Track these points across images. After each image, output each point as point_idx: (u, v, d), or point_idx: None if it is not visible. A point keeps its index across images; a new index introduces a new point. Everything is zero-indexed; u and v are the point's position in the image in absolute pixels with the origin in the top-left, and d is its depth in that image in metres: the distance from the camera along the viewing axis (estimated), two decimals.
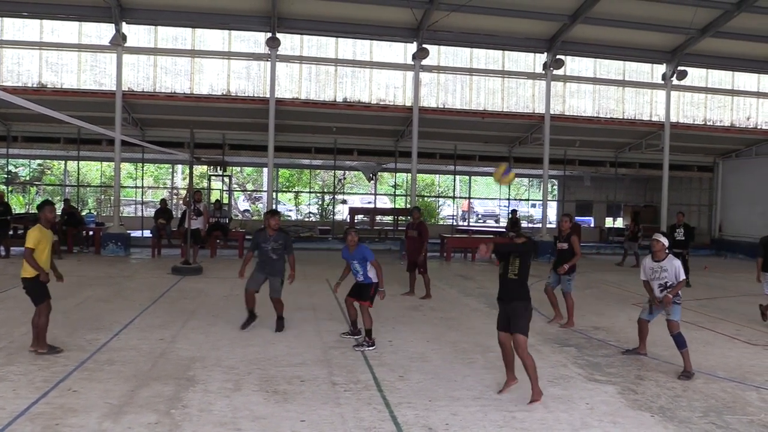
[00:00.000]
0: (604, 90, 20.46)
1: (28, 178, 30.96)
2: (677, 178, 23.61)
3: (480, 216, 34.32)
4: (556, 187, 29.59)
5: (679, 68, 19.64)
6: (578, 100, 20.37)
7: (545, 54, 19.10)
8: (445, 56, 19.20)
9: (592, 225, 27.69)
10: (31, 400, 5.26)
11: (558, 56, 18.78)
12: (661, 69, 20.22)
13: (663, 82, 20.14)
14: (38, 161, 30.47)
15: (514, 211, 19.85)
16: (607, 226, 26.91)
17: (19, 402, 5.21)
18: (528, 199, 33.54)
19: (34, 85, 17.38)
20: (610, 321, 9.52)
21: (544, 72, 19.17)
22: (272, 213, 8.58)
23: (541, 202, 22.16)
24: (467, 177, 27.55)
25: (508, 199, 27.05)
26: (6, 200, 16.56)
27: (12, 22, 17.31)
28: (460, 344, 7.63)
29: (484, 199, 35.16)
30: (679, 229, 13.88)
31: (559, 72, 19.28)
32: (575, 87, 20.30)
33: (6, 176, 26.59)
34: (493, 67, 19.54)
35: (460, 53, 19.31)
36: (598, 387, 6.11)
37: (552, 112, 19.33)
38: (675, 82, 19.98)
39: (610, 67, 20.28)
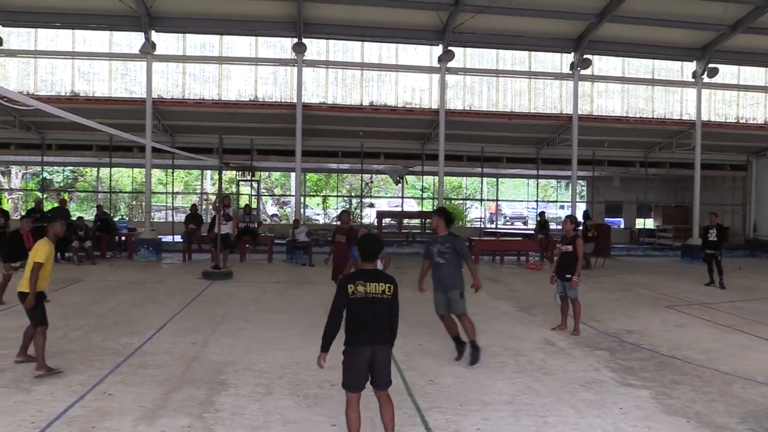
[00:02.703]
0: (633, 89, 20.19)
1: (62, 185, 31.62)
2: (709, 177, 23.16)
3: (508, 218, 34.08)
4: (584, 188, 29.26)
5: (710, 65, 19.29)
6: (606, 100, 20.13)
7: (572, 54, 18.93)
8: (471, 58, 19.14)
9: (622, 226, 27.32)
10: (68, 403, 5.37)
11: (585, 56, 18.60)
12: (691, 67, 19.88)
13: (693, 80, 19.80)
14: (71, 168, 31.12)
15: (542, 213, 19.68)
16: (637, 227, 26.53)
17: (56, 405, 5.31)
18: (556, 201, 33.20)
19: (67, 94, 17.77)
20: (642, 324, 9.36)
21: (571, 72, 19.00)
22: (438, 212, 7.55)
23: (569, 204, 21.91)
24: (494, 179, 27.39)
25: (536, 201, 26.80)
26: (42, 207, 16.95)
27: (45, 33, 17.73)
28: (490, 348, 7.58)
29: (512, 201, 34.91)
30: (712, 230, 13.67)
31: (587, 72, 19.09)
32: (603, 87, 20.08)
33: (41, 183, 27.22)
34: (519, 68, 19.44)
35: (486, 55, 19.25)
36: (632, 391, 6.01)
37: (580, 112, 19.15)
38: (706, 79, 19.63)
39: (639, 66, 20.01)
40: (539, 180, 26.26)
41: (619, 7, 16.75)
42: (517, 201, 34.53)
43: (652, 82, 20.14)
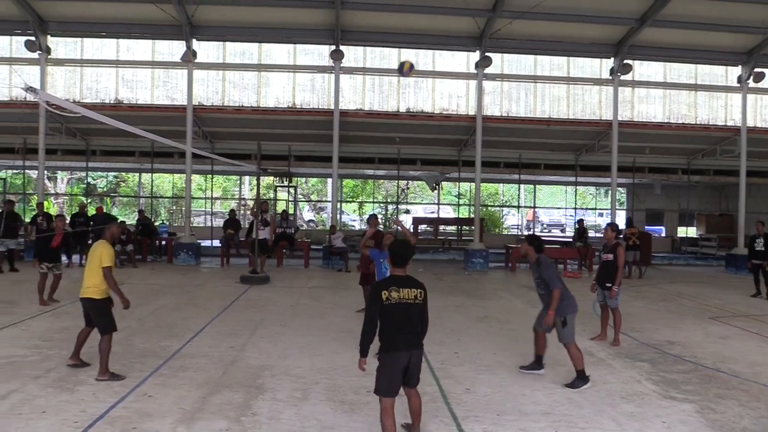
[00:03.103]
0: (675, 94, 19.77)
1: (105, 190, 32.41)
2: (755, 184, 22.48)
3: (545, 225, 33.69)
4: (624, 195, 28.73)
5: (756, 70, 18.76)
6: (648, 106, 19.76)
7: (612, 59, 18.65)
8: (508, 64, 19.01)
9: (663, 234, 26.73)
10: (109, 404, 5.48)
11: (626, 61, 18.29)
12: (736, 71, 19.37)
13: (738, 84, 19.28)
14: (114, 173, 31.90)
15: (580, 221, 19.38)
16: (679, 235, 25.92)
17: (98, 405, 5.42)
18: (595, 208, 32.75)
19: (112, 102, 18.23)
20: (685, 335, 9.12)
21: (611, 77, 18.71)
22: (527, 239, 7.04)
23: (608, 211, 21.55)
24: (532, 186, 27.12)
25: (575, 209, 26.44)
26: (86, 211, 17.40)
27: (91, 42, 18.25)
28: (528, 357, 7.46)
29: (549, 209, 34.50)
30: (759, 239, 13.29)
31: (627, 77, 18.78)
32: (644, 92, 19.71)
33: (85, 188, 27.96)
34: (558, 73, 19.23)
35: (524, 60, 19.09)
36: (675, 405, 5.85)
37: (620, 118, 18.82)
38: (752, 84, 19.10)
39: (681, 71, 19.58)
40: (578, 187, 25.88)
41: (660, 12, 16.45)
42: (554, 208, 34.13)
43: (695, 87, 19.69)
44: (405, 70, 12.88)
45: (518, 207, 29.63)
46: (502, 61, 18.81)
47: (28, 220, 17.14)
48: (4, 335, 7.85)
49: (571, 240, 19.98)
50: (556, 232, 32.10)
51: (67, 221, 14.47)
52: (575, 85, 19.34)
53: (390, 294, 4.40)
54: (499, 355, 7.59)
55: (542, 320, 6.68)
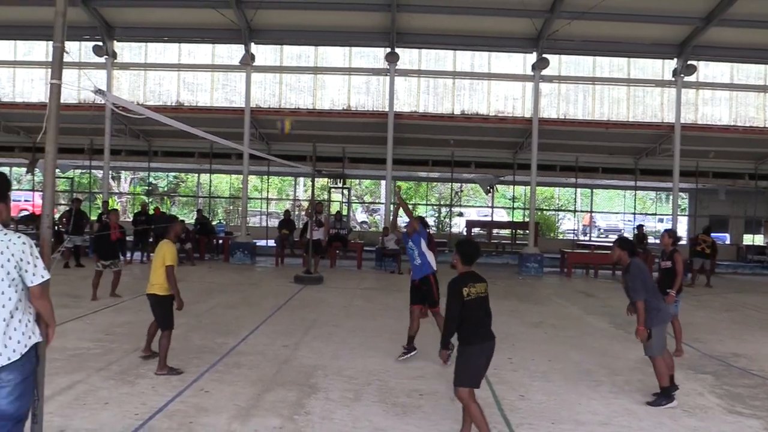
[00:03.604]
0: (743, 96, 18.99)
1: (165, 190, 33.39)
2: None
3: (602, 231, 32.88)
4: (686, 201, 27.78)
5: None
6: (713, 108, 19.05)
7: (675, 60, 18.06)
8: (566, 65, 18.67)
9: (728, 242, 25.71)
10: (168, 397, 5.62)
11: (689, 62, 17.69)
12: None
13: None
14: (174, 174, 32.83)
15: (640, 227, 18.84)
16: (745, 243, 24.89)
17: (157, 399, 5.57)
18: (655, 214, 31.80)
19: (173, 104, 18.77)
20: (752, 348, 8.73)
21: (674, 79, 18.12)
22: (617, 242, 6.49)
23: (669, 217, 20.88)
24: (589, 190, 26.53)
25: (633, 214, 25.72)
26: (148, 210, 17.95)
27: (154, 47, 18.86)
28: (584, 365, 7.31)
29: (606, 213, 33.66)
30: None
31: (691, 78, 18.14)
32: (709, 94, 19.01)
33: (147, 187, 28.87)
34: (617, 75, 18.76)
35: (582, 62, 18.71)
36: (741, 420, 5.60)
37: (683, 121, 18.17)
38: None
39: (749, 72, 18.81)
40: (637, 192, 25.17)
41: (727, 10, 15.83)
42: (612, 213, 33.27)
43: (765, 88, 18.86)
44: (285, 130, 12.73)
45: (574, 211, 29.05)
46: (559, 63, 18.49)
47: (93, 217, 17.82)
48: (70, 328, 8.16)
49: None
50: (614, 237, 31.24)
51: (129, 218, 14.93)
52: (636, 87, 18.82)
53: (470, 290, 4.62)
54: (554, 362, 7.44)
55: (649, 341, 6.05)
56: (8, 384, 3.26)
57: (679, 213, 21.62)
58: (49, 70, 3.81)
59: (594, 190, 27.15)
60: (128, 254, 15.71)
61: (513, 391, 6.18)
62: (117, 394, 5.67)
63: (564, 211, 31.74)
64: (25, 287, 3.32)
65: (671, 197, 20.50)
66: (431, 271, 7.58)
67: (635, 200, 25.38)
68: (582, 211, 29.66)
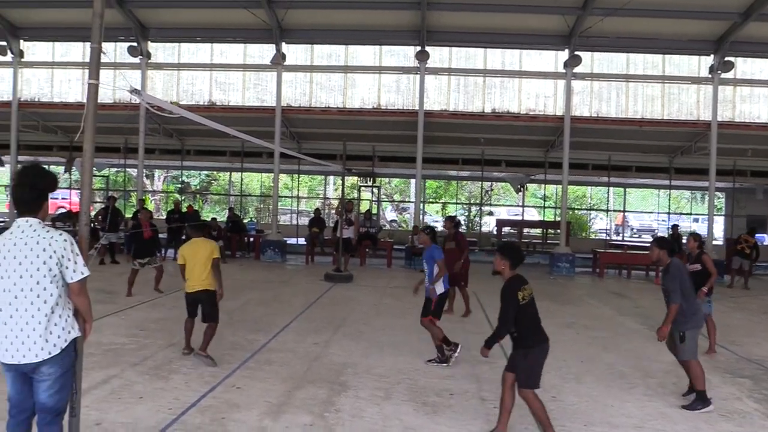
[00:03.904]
0: None
1: (198, 188, 33.84)
2: None
3: (635, 230, 32.36)
4: (723, 200, 27.17)
5: None
6: (751, 105, 18.56)
7: (712, 56, 17.63)
8: (598, 63, 18.38)
9: (766, 243, 25.06)
10: (200, 393, 5.69)
11: (727, 58, 17.25)
12: None
13: None
14: (207, 172, 33.26)
15: (675, 227, 18.48)
16: None
17: (190, 394, 5.65)
18: (690, 213, 31.16)
19: (205, 103, 18.99)
20: None
21: (710, 76, 17.69)
22: (656, 241, 6.44)
23: (705, 217, 20.45)
24: (622, 189, 26.13)
25: (668, 213, 25.26)
26: (180, 208, 18.21)
27: (187, 47, 19.11)
28: (617, 367, 7.20)
29: (640, 213, 33.12)
30: None
31: (728, 75, 17.69)
32: (747, 91, 18.52)
33: (180, 186, 29.30)
34: (651, 72, 18.40)
35: (616, 59, 18.39)
36: None
37: (720, 118, 17.73)
38: None
39: None
40: (672, 191, 24.71)
41: (767, 5, 15.41)
42: (645, 212, 32.71)
43: None
44: None
45: (607, 210, 28.62)
46: (591, 60, 18.21)
47: (128, 215, 18.13)
48: (106, 323, 8.32)
49: None
50: (647, 237, 30.77)
51: (162, 216, 15.15)
52: (671, 84, 18.44)
53: (524, 293, 4.76)
54: (586, 363, 7.34)
55: (683, 344, 5.97)
56: (49, 377, 3.35)
57: (715, 213, 21.13)
58: (86, 70, 3.90)
59: (627, 189, 26.75)
60: (163, 251, 15.96)
61: (545, 393, 6.06)
62: (151, 388, 5.77)
63: (596, 210, 31.28)
64: (65, 283, 3.39)
65: (707, 197, 20.07)
66: (434, 296, 7.20)
67: (670, 200, 24.95)
68: (615, 211, 29.24)
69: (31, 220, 3.37)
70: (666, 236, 7.06)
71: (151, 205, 29.05)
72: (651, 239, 6.52)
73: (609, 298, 13.14)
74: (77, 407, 3.72)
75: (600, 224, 31.24)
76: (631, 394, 6.20)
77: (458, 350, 7.07)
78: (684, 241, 20.23)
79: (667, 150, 20.44)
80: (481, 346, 4.93)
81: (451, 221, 10.65)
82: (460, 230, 10.77)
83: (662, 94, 18.51)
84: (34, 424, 3.52)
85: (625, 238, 27.16)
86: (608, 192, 25.94)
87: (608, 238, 26.15)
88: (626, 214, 28.50)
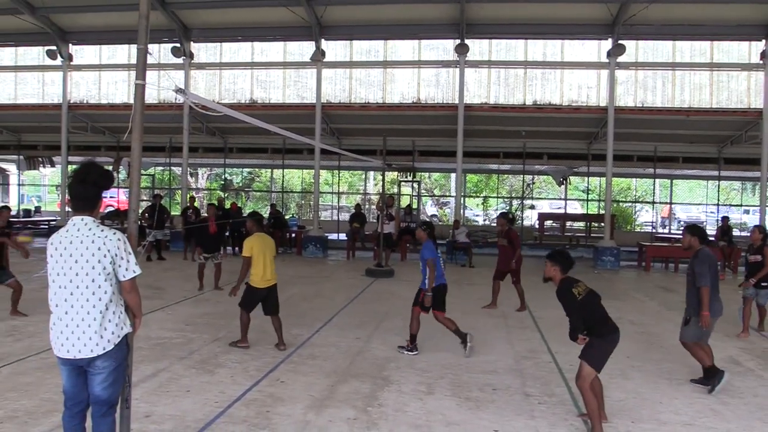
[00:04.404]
0: None
1: (240, 185, 34.35)
2: None
3: (682, 223, 31.53)
4: None
5: None
6: None
7: (763, 41, 17.02)
8: (643, 51, 17.93)
9: None
10: (245, 387, 5.80)
11: None
12: None
13: None
14: (249, 170, 33.72)
15: (724, 218, 17.95)
16: None
17: (235, 388, 5.76)
18: (740, 205, 30.20)
19: (247, 102, 19.25)
20: None
21: (761, 62, 17.08)
22: (688, 229, 6.61)
23: (756, 208, 19.78)
24: (668, 180, 25.48)
25: (717, 205, 24.52)
26: (224, 205, 18.49)
27: (229, 47, 19.39)
28: (665, 363, 7.04)
29: (687, 205, 32.25)
30: None
31: None
32: None
33: (223, 183, 29.80)
34: (699, 59, 17.86)
35: (661, 47, 17.92)
36: None
37: None
38: None
39: None
40: (721, 182, 23.98)
41: None
42: (693, 204, 31.83)
43: None
44: None
45: (653, 203, 27.96)
46: (636, 49, 17.77)
47: (174, 212, 18.54)
48: (154, 318, 8.53)
49: (713, 239, 18.54)
50: None
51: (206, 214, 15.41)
52: (720, 72, 17.87)
53: (578, 290, 4.96)
54: (633, 359, 7.20)
55: (698, 324, 6.23)
56: (103, 371, 3.47)
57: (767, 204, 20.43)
58: (131, 72, 4.00)
59: (674, 181, 26.05)
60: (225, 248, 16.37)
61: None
62: (198, 382, 5.90)
63: (641, 202, 30.58)
64: (118, 281, 3.50)
65: (759, 187, 19.40)
66: (423, 287, 7.25)
67: (719, 191, 24.19)
68: (661, 203, 28.54)
69: (86, 219, 3.48)
70: (697, 224, 7.23)
71: (196, 203, 29.63)
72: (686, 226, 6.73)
73: (655, 292, 12.85)
74: (129, 399, 3.84)
75: (645, 217, 30.56)
76: (679, 391, 6.06)
77: (414, 353, 7.16)
78: (738, 233, 19.69)
79: (716, 140, 19.83)
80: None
81: (505, 218, 10.72)
82: (512, 227, 10.78)
83: (710, 82, 17.96)
84: (89, 416, 3.64)
85: (672, 231, 26.49)
86: (654, 184, 25.33)
87: (654, 230, 25.55)
88: (673, 206, 27.78)
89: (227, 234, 17.28)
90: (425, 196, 30.67)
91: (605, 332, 4.90)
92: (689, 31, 17.22)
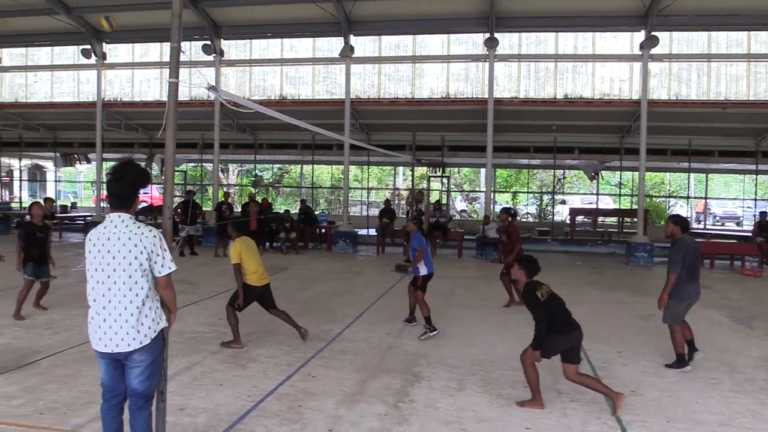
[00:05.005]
0: None
1: (270, 181, 34.63)
2: None
3: (718, 218, 30.87)
4: None
5: None
6: None
7: None
8: (677, 43, 17.55)
9: None
10: (277, 381, 5.85)
11: None
12: None
13: None
14: (279, 165, 33.97)
15: (763, 213, 17.46)
16: None
17: (267, 382, 5.81)
18: None
19: (276, 98, 19.37)
20: None
21: None
22: (671, 218, 7.14)
23: None
24: (703, 175, 24.96)
25: (754, 200, 23.94)
26: (255, 200, 18.65)
27: (258, 44, 19.54)
28: (701, 361, 6.88)
29: (722, 200, 31.57)
30: None
31: None
32: None
33: (253, 179, 30.07)
34: (736, 50, 17.40)
35: (696, 38, 17.49)
36: None
37: None
38: None
39: None
40: (758, 176, 23.40)
41: None
42: (729, 199, 31.16)
43: None
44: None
45: (687, 198, 27.43)
46: (670, 40, 17.40)
47: (205, 208, 18.77)
48: (187, 313, 8.66)
49: (750, 235, 18.11)
50: (731, 225, 29.30)
51: (237, 209, 15.56)
52: (757, 62, 17.38)
53: (541, 291, 5.26)
54: (667, 356, 7.05)
55: (667, 309, 6.71)
56: (140, 365, 3.54)
57: None
58: (163, 69, 4.05)
59: (709, 175, 25.53)
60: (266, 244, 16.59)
61: (624, 387, 5.92)
62: (230, 376, 5.97)
63: (675, 197, 29.99)
64: (153, 277, 3.56)
65: None
66: (418, 275, 8.21)
67: (756, 185, 23.63)
68: (696, 198, 27.98)
69: (123, 215, 3.55)
70: (681, 215, 7.37)
71: (229, 198, 29.95)
72: (735, 226, 6.96)
73: None
74: (165, 393, 3.91)
75: (679, 212, 29.96)
76: (716, 390, 5.93)
77: (435, 332, 7.76)
78: None
79: (754, 132, 19.34)
80: (532, 351, 5.24)
81: (506, 213, 10.71)
82: (513, 222, 10.61)
83: (748, 73, 17.50)
84: (126, 408, 3.72)
85: (707, 226, 25.97)
86: (689, 178, 24.83)
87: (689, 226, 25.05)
88: (708, 200, 27.23)
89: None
90: (454, 191, 30.52)
91: (563, 330, 5.18)
92: (725, 22, 16.78)
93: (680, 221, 6.89)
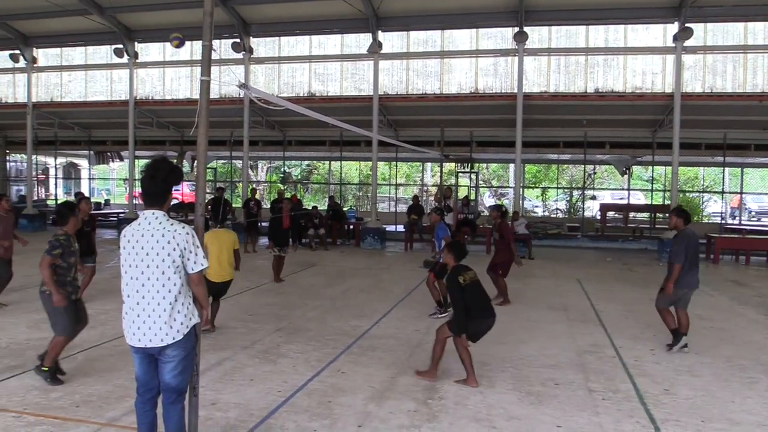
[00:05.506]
0: None
1: (299, 178, 34.85)
2: None
3: (753, 213, 30.15)
4: None
5: None
6: None
7: None
8: (712, 34, 17.15)
9: None
10: (307, 377, 5.89)
11: None
12: None
13: None
14: (307, 162, 34.16)
15: None
16: None
17: (297, 378, 5.86)
18: None
19: (305, 95, 19.46)
20: None
21: None
22: (673, 210, 7.59)
23: None
24: (738, 169, 24.41)
25: None
26: (283, 197, 18.78)
27: (287, 41, 19.64)
28: (736, 360, 6.76)
29: (759, 195, 30.84)
30: None
31: None
32: None
33: (282, 176, 30.29)
34: None
35: (731, 29, 17.07)
36: None
37: None
38: None
39: None
40: None
41: None
42: (765, 194, 30.43)
43: None
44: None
45: (722, 193, 26.86)
46: (704, 32, 17.02)
47: (234, 205, 18.94)
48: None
49: None
50: (767, 220, 28.62)
51: (266, 206, 15.66)
52: None
53: (464, 278, 5.73)
54: (702, 355, 6.95)
55: (662, 293, 7.22)
56: (173, 359, 3.60)
57: None
58: (193, 68, 4.08)
59: (744, 169, 24.95)
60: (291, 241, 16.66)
61: (657, 385, 5.84)
62: (261, 371, 6.03)
63: (710, 192, 29.41)
64: (186, 273, 3.61)
65: None
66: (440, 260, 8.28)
67: None
68: (730, 193, 27.37)
69: (157, 213, 3.61)
70: (683, 207, 7.38)
71: (257, 195, 30.23)
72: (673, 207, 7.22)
73: (726, 286, 12.33)
74: (197, 387, 3.96)
75: (714, 207, 29.36)
76: (753, 389, 5.81)
77: (445, 314, 8.36)
78: None
79: None
80: (458, 338, 5.68)
81: (497, 210, 10.24)
82: (505, 220, 10.28)
83: None
84: (159, 403, 3.78)
85: (743, 222, 25.40)
86: (723, 173, 24.30)
87: (723, 221, 24.55)
88: (743, 195, 26.63)
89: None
90: (483, 187, 30.35)
91: (479, 315, 5.66)
92: (762, 12, 16.36)
93: (683, 214, 7.25)
